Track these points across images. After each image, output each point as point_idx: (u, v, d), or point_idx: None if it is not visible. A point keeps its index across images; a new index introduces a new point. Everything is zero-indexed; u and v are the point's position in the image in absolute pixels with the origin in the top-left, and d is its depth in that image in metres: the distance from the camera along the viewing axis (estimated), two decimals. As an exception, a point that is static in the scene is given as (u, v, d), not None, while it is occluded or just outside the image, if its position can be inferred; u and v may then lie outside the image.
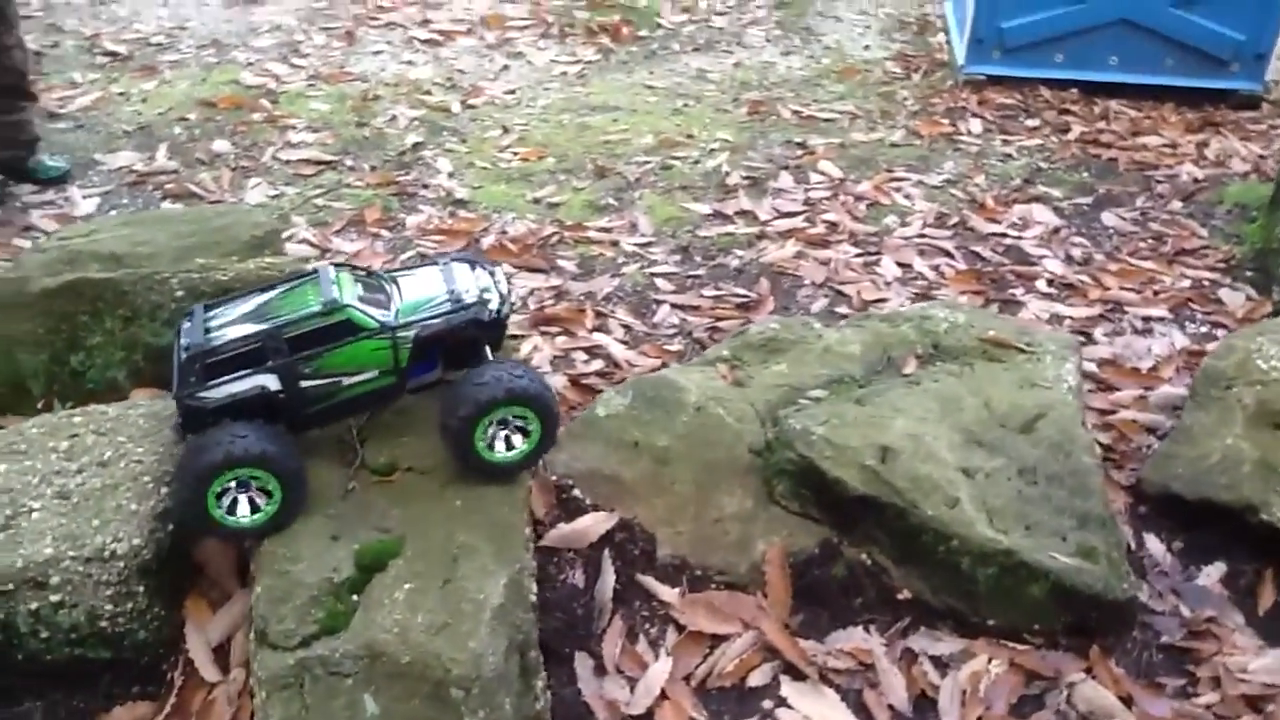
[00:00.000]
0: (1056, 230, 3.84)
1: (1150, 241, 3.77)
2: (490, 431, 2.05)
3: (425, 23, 5.76)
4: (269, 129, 4.50)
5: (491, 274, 2.20)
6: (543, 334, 3.18)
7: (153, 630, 2.00)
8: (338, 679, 1.78)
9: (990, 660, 2.20)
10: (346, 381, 2.03)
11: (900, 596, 2.29)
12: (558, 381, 2.90)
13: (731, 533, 2.34)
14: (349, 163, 4.27)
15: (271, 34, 5.54)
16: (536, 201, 4.00)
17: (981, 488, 2.28)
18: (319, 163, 4.25)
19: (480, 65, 5.29)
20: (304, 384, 2.00)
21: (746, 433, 2.42)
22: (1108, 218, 3.94)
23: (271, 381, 1.97)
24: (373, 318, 2.01)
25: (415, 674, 1.77)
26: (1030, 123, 4.71)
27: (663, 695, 2.11)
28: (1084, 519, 2.27)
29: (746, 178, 4.19)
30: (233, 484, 1.92)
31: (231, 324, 2.02)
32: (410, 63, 5.30)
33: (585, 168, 4.25)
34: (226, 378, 1.96)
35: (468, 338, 2.11)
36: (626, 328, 3.24)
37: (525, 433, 2.09)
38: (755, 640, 2.21)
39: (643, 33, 5.74)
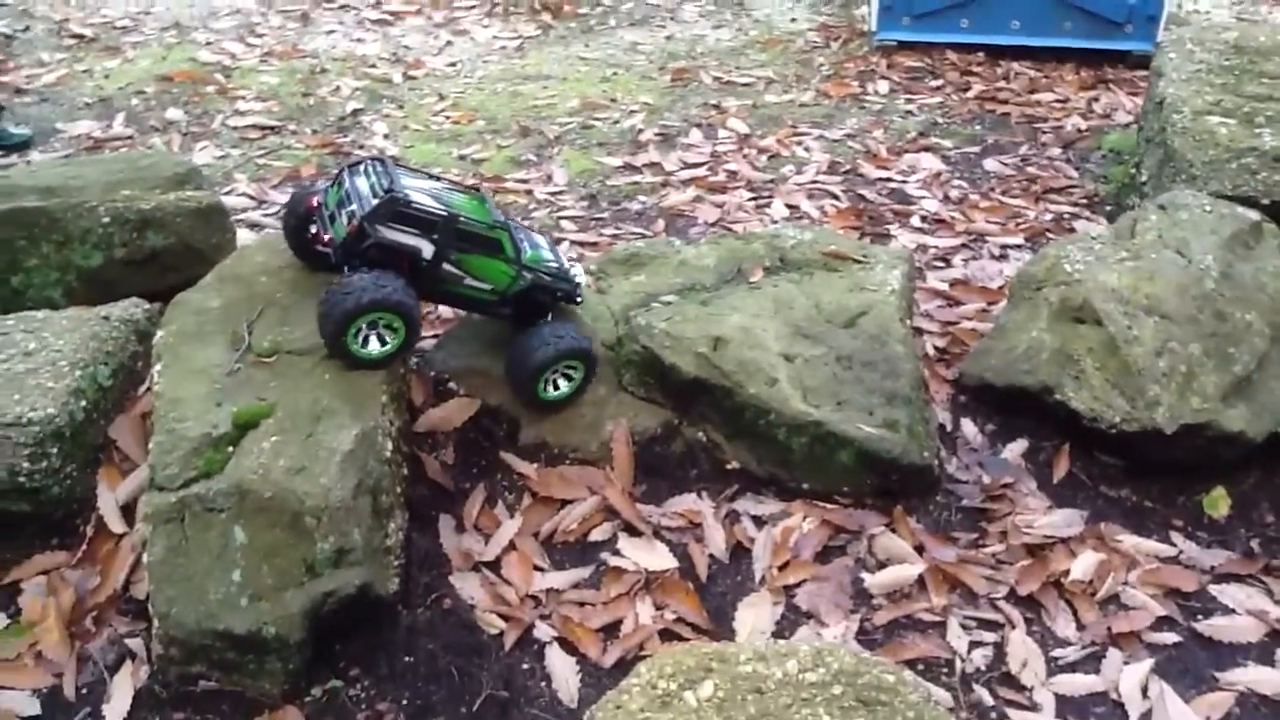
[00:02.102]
0: (939, 175, 4.15)
1: (1024, 183, 4.08)
2: (549, 377, 2.53)
3: (377, 4, 6.10)
4: (220, 100, 4.84)
5: (573, 263, 2.72)
6: (450, 267, 3.50)
7: (66, 487, 2.33)
8: (212, 514, 2.10)
9: (804, 518, 2.51)
10: (469, 282, 2.46)
11: (730, 467, 2.61)
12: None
13: (586, 416, 2.66)
14: (292, 128, 4.60)
15: (231, 16, 5.89)
16: (462, 158, 4.33)
17: (800, 370, 2.59)
18: (264, 128, 4.59)
19: (426, 41, 5.63)
20: (444, 265, 2.40)
21: (601, 330, 2.73)
22: (990, 163, 4.25)
23: (428, 250, 2.36)
24: (515, 249, 2.47)
25: (276, 507, 2.09)
26: (934, 83, 5.03)
27: (511, 546, 2.43)
28: (891, 397, 2.58)
29: (659, 134, 4.51)
30: (365, 324, 2.30)
31: (420, 191, 2.37)
32: (360, 40, 5.63)
33: (511, 129, 4.58)
34: (403, 228, 2.33)
35: (546, 301, 2.58)
36: (528, 261, 3.56)
37: (570, 377, 2.57)
38: (599, 504, 2.53)
39: (583, 9, 6.07)
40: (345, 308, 2.26)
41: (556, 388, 2.57)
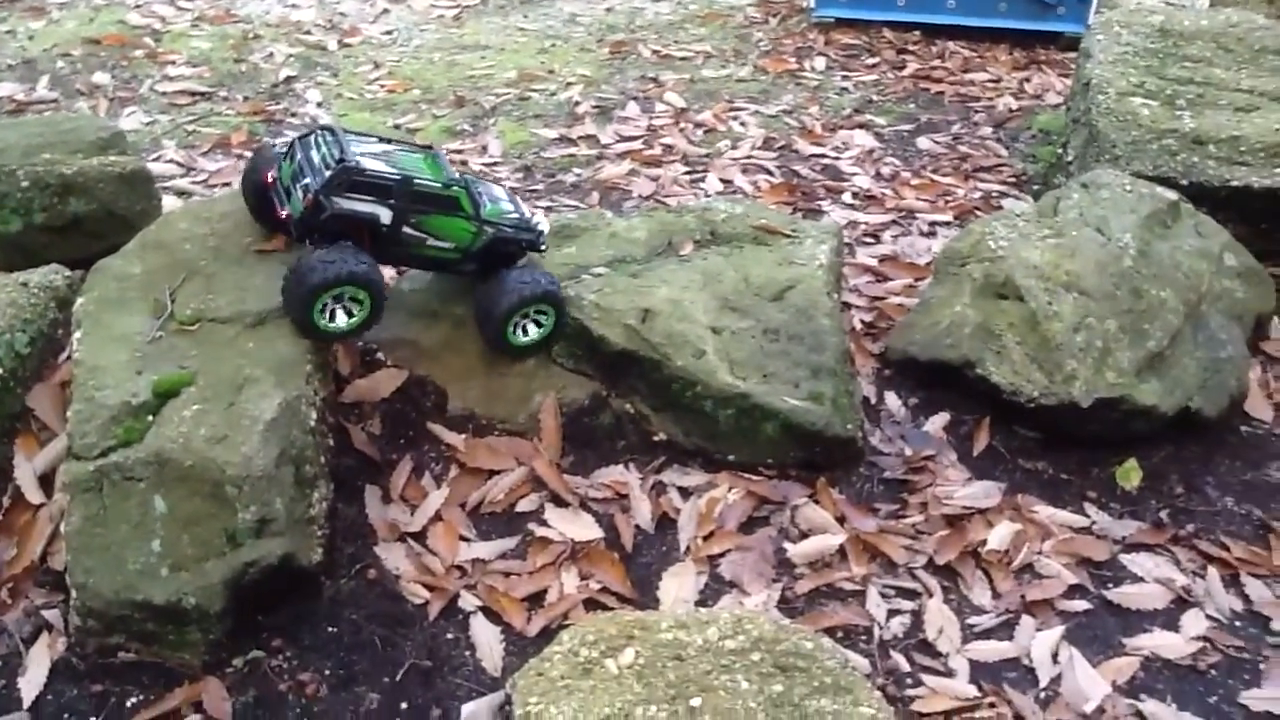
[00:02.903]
0: (872, 152, 4.19)
1: (955, 161, 4.14)
2: (518, 322, 2.53)
3: (313, -30, 5.99)
4: (149, 64, 4.74)
5: (534, 211, 2.71)
6: (382, 237, 3.48)
7: (-21, 458, 2.29)
8: (132, 483, 2.08)
9: (729, 489, 2.54)
10: (431, 242, 2.48)
11: (657, 439, 2.63)
12: (385, 273, 3.21)
13: (514, 388, 2.67)
14: (223, 94, 4.53)
15: (162, -21, 5.76)
16: (397, 127, 4.29)
17: (727, 343, 2.62)
18: (194, 94, 4.50)
19: (362, 9, 5.55)
20: (405, 229, 2.41)
21: (531, 302, 2.73)
22: (922, 141, 4.30)
23: (386, 216, 2.37)
24: (474, 206, 2.47)
25: (197, 476, 2.07)
26: (870, 60, 5.07)
27: (437, 517, 2.44)
28: (817, 370, 2.61)
29: (596, 107, 4.50)
30: (330, 299, 2.32)
31: (371, 157, 2.38)
32: (295, 6, 5.54)
33: (447, 98, 4.54)
34: (359, 196, 2.33)
35: (510, 251, 2.58)
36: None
37: (540, 323, 2.58)
38: (526, 475, 2.54)
39: (522, -20, 6.02)
40: (309, 284, 2.27)
41: (527, 333, 2.58)
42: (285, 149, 2.48)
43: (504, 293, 2.51)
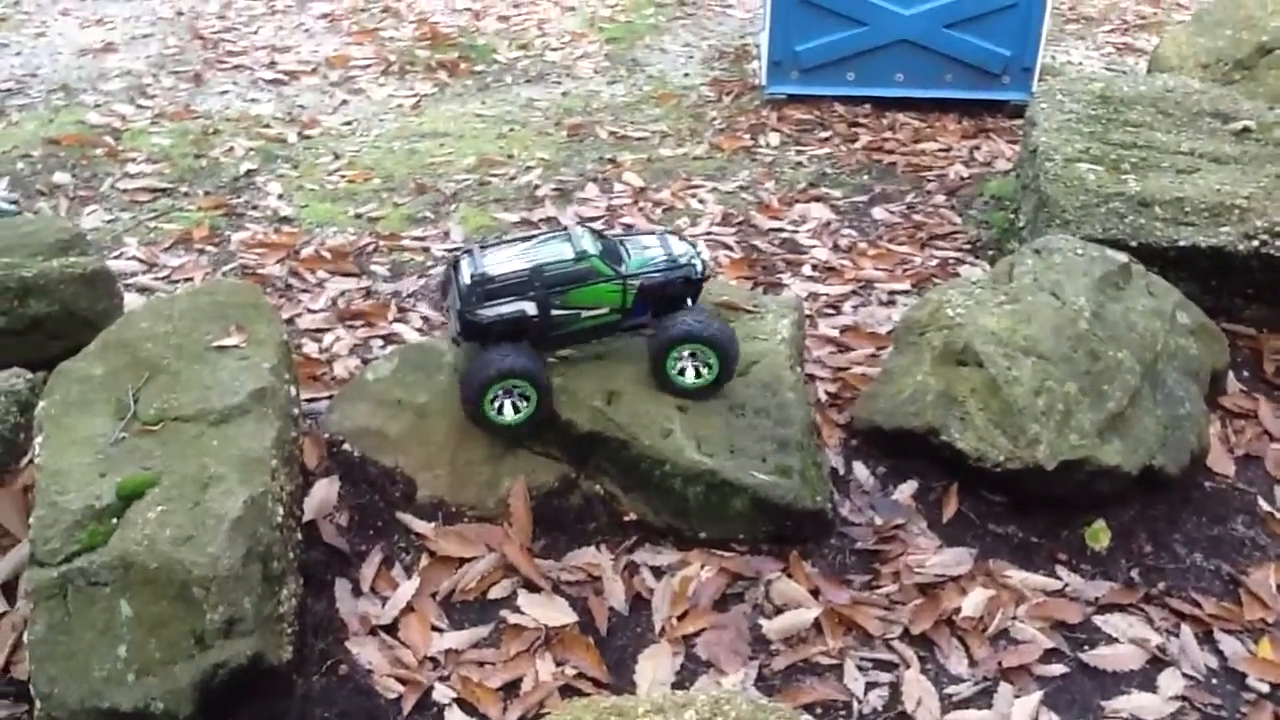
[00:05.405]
0: (829, 224, 4.26)
1: (910, 230, 4.21)
2: (679, 363, 2.62)
3: (272, 64, 6.06)
4: (109, 162, 4.77)
5: (693, 245, 2.78)
6: (347, 327, 3.49)
7: (-60, 568, 2.25)
8: (96, 588, 2.05)
9: (702, 566, 2.54)
10: (584, 314, 2.62)
11: (628, 519, 2.63)
12: (350, 363, 3.22)
13: (482, 473, 2.67)
14: (184, 189, 4.55)
15: (121, 78, 5.81)
16: (358, 216, 4.32)
17: (693, 421, 2.63)
18: (155, 190, 4.52)
19: (321, 101, 5.62)
20: (554, 312, 2.58)
21: (496, 387, 2.74)
22: (878, 212, 4.37)
23: (530, 307, 2.55)
24: (611, 266, 2.58)
25: (163, 579, 2.05)
26: (823, 134, 5.17)
27: (409, 608, 2.42)
28: (784, 444, 2.63)
29: (556, 189, 4.56)
30: (500, 392, 2.52)
31: (503, 262, 2.57)
32: (254, 100, 5.60)
33: (408, 186, 4.59)
34: (498, 301, 2.53)
35: (675, 293, 2.66)
36: (425, 319, 3.57)
37: (708, 366, 2.63)
38: (498, 561, 2.53)
39: (479, 68, 6.12)
40: (478, 379, 2.51)
41: (692, 375, 2.64)
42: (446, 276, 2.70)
43: (655, 335, 2.63)
